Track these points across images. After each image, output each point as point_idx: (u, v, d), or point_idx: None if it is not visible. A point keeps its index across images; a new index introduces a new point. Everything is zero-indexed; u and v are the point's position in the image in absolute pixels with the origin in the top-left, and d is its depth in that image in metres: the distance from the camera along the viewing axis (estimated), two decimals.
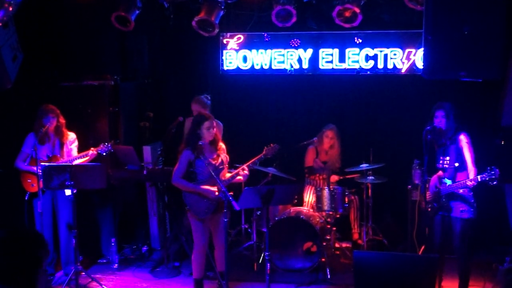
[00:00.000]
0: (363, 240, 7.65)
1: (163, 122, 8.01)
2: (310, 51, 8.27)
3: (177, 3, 7.47)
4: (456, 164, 5.92)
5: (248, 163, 6.20)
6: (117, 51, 8.41)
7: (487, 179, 5.59)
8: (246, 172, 6.18)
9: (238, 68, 8.45)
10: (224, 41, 8.43)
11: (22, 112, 7.37)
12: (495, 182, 5.58)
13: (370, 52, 8.11)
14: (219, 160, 6.15)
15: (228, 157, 6.30)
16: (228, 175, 6.21)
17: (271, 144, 6.23)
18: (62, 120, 7.03)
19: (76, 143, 7.15)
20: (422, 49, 6.08)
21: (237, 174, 6.14)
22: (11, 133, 7.37)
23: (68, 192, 6.80)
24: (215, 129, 6.15)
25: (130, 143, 7.73)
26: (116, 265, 7.49)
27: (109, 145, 6.95)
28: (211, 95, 7.67)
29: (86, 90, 7.71)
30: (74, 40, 7.93)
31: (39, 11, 7.43)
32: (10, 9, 4.91)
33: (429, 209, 6.05)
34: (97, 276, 7.08)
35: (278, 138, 6.42)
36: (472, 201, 5.92)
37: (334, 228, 7.43)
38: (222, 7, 7.23)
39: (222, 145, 6.26)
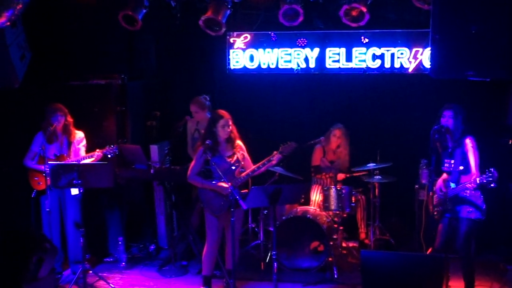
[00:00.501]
0: (370, 240, 7.65)
1: (170, 121, 8.01)
2: (316, 50, 8.28)
3: (184, 2, 7.48)
4: (461, 168, 5.91)
5: (259, 164, 6.20)
6: (124, 50, 8.43)
7: (485, 181, 5.59)
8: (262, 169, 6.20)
9: (244, 67, 8.46)
10: (231, 40, 8.44)
11: (30, 111, 7.42)
12: (493, 185, 5.58)
13: (377, 51, 8.10)
14: (235, 158, 6.20)
15: (244, 154, 6.31)
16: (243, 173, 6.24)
17: (288, 142, 6.20)
18: (70, 119, 7.06)
19: (84, 142, 7.18)
20: (429, 48, 6.07)
21: (253, 172, 6.16)
22: (19, 132, 7.42)
23: (75, 191, 6.85)
24: (231, 127, 6.18)
25: (137, 142, 7.77)
26: (123, 263, 7.53)
27: (114, 147, 6.98)
28: (217, 94, 7.72)
29: (94, 89, 7.75)
30: (81, 39, 7.95)
31: (46, 10, 7.46)
32: (19, 8, 4.93)
33: (436, 214, 6.06)
34: (105, 274, 7.12)
35: (285, 137, 6.40)
36: (480, 202, 5.90)
37: (341, 228, 7.43)
38: (229, 6, 7.24)
39: (239, 143, 6.30)
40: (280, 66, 8.40)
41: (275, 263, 5.94)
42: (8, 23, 5.18)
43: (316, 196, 7.77)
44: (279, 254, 6.60)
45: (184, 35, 8.44)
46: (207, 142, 6.13)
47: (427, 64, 7.80)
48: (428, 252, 6.24)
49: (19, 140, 7.32)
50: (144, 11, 7.32)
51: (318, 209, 7.41)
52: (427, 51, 7.66)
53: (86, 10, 7.68)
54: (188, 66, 8.72)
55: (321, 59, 8.26)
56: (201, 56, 8.71)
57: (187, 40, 8.55)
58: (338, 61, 8.22)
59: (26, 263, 3.13)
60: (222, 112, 6.30)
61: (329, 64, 8.25)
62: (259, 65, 8.42)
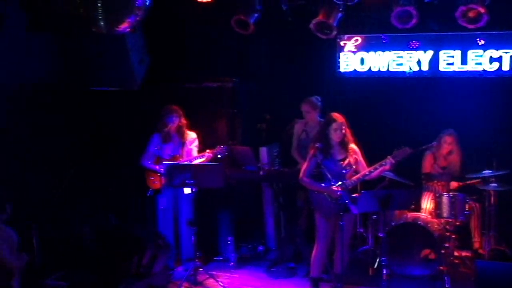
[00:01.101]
0: (485, 250, 7.35)
1: (280, 123, 8.10)
2: (430, 53, 8.05)
3: (296, 6, 7.52)
4: None
5: (371, 168, 6.14)
6: (236, 54, 8.60)
7: None
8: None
9: (355, 70, 8.38)
10: (342, 43, 8.38)
11: (148, 112, 7.74)
12: None
13: (495, 53, 7.76)
14: (347, 161, 6.17)
15: (358, 158, 6.26)
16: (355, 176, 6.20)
17: (402, 147, 6.09)
18: (184, 121, 7.30)
19: (196, 143, 7.39)
20: None
21: (364, 176, 6.11)
22: (137, 132, 7.75)
23: (187, 190, 7.06)
24: (344, 131, 6.16)
25: (247, 144, 7.90)
26: (232, 263, 7.67)
27: (225, 147, 7.13)
28: (327, 97, 7.68)
29: (207, 92, 7.99)
30: (196, 43, 8.21)
31: (164, 16, 7.76)
32: (140, 14, 5.16)
33: None
34: (215, 273, 7.29)
35: (395, 142, 6.30)
36: None
37: (454, 236, 7.18)
38: (341, 9, 7.20)
39: (353, 146, 6.28)
40: (391, 69, 8.24)
41: (385, 269, 5.87)
42: (130, 29, 5.43)
43: (427, 203, 7.55)
44: (389, 260, 6.49)
45: (294, 38, 8.47)
46: (317, 145, 6.15)
47: None
48: None
49: (137, 140, 7.65)
50: (256, 15, 7.43)
51: (429, 216, 7.21)
52: None
53: (201, 16, 7.93)
54: (298, 69, 8.74)
55: (434, 62, 8.03)
56: (311, 59, 8.71)
57: (297, 43, 8.58)
58: (452, 64, 7.96)
59: (131, 260, 3.29)
60: (336, 115, 6.29)
61: (443, 67, 8.00)
62: (370, 68, 8.31)
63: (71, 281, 6.84)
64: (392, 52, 8.23)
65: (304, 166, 6.34)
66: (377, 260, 7.10)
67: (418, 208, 7.52)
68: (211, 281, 7.09)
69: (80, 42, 7.13)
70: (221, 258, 7.89)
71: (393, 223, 7.03)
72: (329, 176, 6.06)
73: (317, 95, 7.72)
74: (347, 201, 5.75)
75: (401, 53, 8.20)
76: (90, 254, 7.31)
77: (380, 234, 6.64)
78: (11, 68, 6.90)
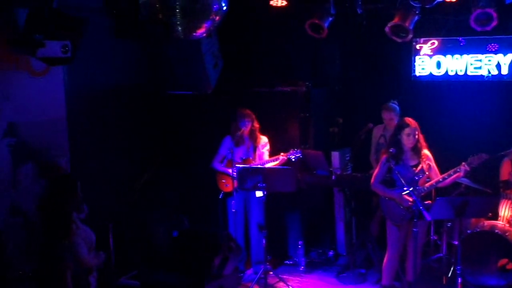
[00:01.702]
0: None
1: (352, 128, 8.11)
2: (510, 56, 7.87)
3: (371, 9, 7.52)
4: None
5: (445, 175, 6.08)
6: (309, 58, 8.67)
7: None
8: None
9: (431, 74, 8.27)
10: (417, 46, 8.30)
11: (220, 115, 7.91)
12: None
13: None
14: (419, 167, 6.13)
15: (431, 164, 6.22)
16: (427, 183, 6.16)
17: (478, 153, 6.01)
18: (257, 125, 7.42)
19: (267, 147, 7.50)
20: None
21: (437, 183, 6.07)
22: (210, 135, 7.92)
23: (259, 193, 7.16)
24: (417, 136, 6.13)
25: (320, 148, 7.93)
26: (302, 267, 7.74)
27: (298, 151, 7.21)
28: (402, 101, 7.63)
29: (279, 96, 8.06)
30: (269, 47, 8.33)
31: (237, 20, 7.91)
32: (217, 19, 5.31)
33: None
34: (285, 276, 7.38)
35: (471, 148, 6.21)
36: None
37: None
38: (417, 12, 7.15)
39: (426, 152, 6.23)
40: (469, 73, 8.09)
41: (459, 278, 5.79)
42: (206, 34, 5.59)
43: (505, 211, 7.36)
44: (463, 269, 6.39)
45: (368, 41, 8.44)
46: (391, 150, 6.14)
47: None
48: None
49: (208, 143, 7.83)
50: (330, 19, 7.46)
51: (507, 225, 7.05)
52: None
53: (274, 20, 8.05)
54: (371, 73, 8.71)
55: None
56: (385, 63, 8.66)
57: (371, 47, 8.54)
58: None
59: (211, 261, 3.44)
60: (409, 120, 6.26)
61: None
62: (446, 71, 8.18)
63: (143, 280, 7.09)
64: (470, 55, 8.08)
65: (375, 172, 6.34)
66: (451, 268, 7.00)
67: (495, 216, 7.36)
68: (281, 285, 7.18)
69: (159, 47, 7.40)
70: (290, 262, 7.97)
71: (468, 231, 6.90)
72: (401, 182, 6.04)
73: (390, 99, 7.69)
74: (421, 208, 5.71)
75: (479, 56, 8.04)
76: (163, 255, 7.55)
77: (455, 242, 6.56)
78: (95, 72, 7.21)
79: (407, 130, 6.15)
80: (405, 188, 6.03)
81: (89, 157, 7.15)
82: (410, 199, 5.98)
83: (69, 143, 6.89)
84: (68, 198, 5.10)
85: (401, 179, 6.02)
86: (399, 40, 7.37)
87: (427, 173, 6.16)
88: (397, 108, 7.52)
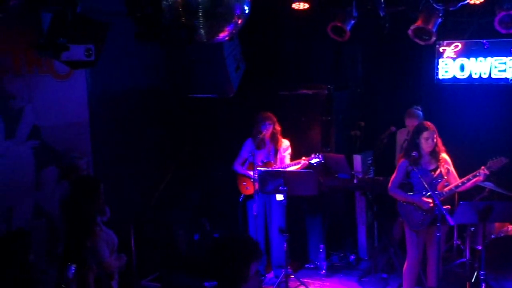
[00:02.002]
0: None
1: (374, 131, 8.09)
2: None
3: (393, 12, 7.49)
4: None
5: (464, 179, 6.04)
6: (331, 61, 8.68)
7: None
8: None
9: (454, 77, 8.22)
10: (441, 49, 8.25)
11: (242, 118, 7.93)
12: None
13: None
14: (438, 172, 6.10)
15: (449, 169, 6.18)
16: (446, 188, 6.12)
17: (497, 157, 5.95)
18: (278, 128, 7.43)
19: (289, 150, 7.50)
20: None
21: (456, 187, 6.03)
22: (231, 138, 7.96)
23: (280, 197, 7.17)
24: (435, 140, 6.10)
25: (341, 151, 7.92)
26: (323, 271, 7.74)
27: (320, 155, 7.20)
28: (424, 105, 7.59)
29: (301, 99, 8.08)
30: (291, 50, 8.35)
31: (259, 23, 7.93)
32: (240, 22, 5.32)
33: None
34: (306, 280, 7.38)
35: (494, 152, 6.16)
36: None
37: None
38: (441, 15, 7.10)
39: (444, 156, 6.19)
40: (493, 76, 8.03)
41: (483, 284, 5.74)
42: (228, 37, 5.61)
43: None
44: (487, 275, 6.34)
45: (390, 44, 8.39)
46: (413, 154, 6.10)
47: None
48: None
49: (229, 145, 7.87)
50: (353, 21, 7.44)
51: None
52: None
53: (296, 23, 8.06)
54: (394, 76, 8.67)
55: None
56: (407, 66, 8.61)
57: (393, 50, 8.50)
58: None
59: (247, 268, 3.46)
60: (428, 123, 6.23)
61: None
62: (470, 74, 8.12)
63: (165, 283, 7.13)
64: (494, 58, 8.02)
65: (393, 176, 6.29)
66: (475, 274, 6.94)
67: None
68: None
69: (182, 51, 7.45)
70: (311, 266, 7.98)
71: (492, 236, 6.84)
72: (419, 187, 6.01)
73: (413, 103, 7.67)
74: (444, 212, 5.67)
75: (503, 59, 7.97)
76: (184, 257, 7.59)
77: (478, 247, 6.51)
78: (117, 75, 7.29)
79: (425, 134, 6.10)
80: (423, 192, 6.00)
81: (111, 160, 7.21)
82: (431, 201, 5.95)
83: (91, 145, 6.97)
84: (91, 200, 5.12)
85: (419, 184, 5.99)
86: (422, 43, 7.32)
87: (445, 177, 6.12)
88: (421, 114, 7.49)
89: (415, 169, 6.08)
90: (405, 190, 6.22)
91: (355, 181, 7.50)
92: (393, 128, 7.59)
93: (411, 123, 7.39)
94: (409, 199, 6.16)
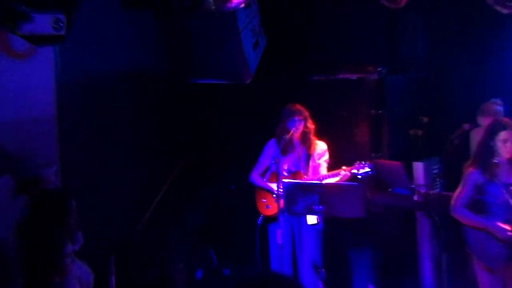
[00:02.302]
0: None
1: (442, 130, 8.02)
2: None
3: None
4: None
5: None
6: (382, 35, 8.66)
7: None
8: None
9: None
10: None
11: (261, 112, 7.88)
12: None
13: None
14: None
15: None
16: None
17: None
18: (311, 125, 7.36)
19: (326, 156, 7.43)
20: None
21: None
22: (247, 138, 7.92)
23: (313, 219, 7.07)
24: None
25: (397, 157, 7.83)
26: None
27: (368, 164, 7.10)
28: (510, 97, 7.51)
29: (341, 86, 8.07)
30: (328, 21, 8.28)
31: None
32: None
33: None
34: None
35: None
36: None
37: None
38: None
39: None
40: None
41: None
42: (243, 4, 5.55)
43: None
44: None
45: (462, 15, 8.33)
46: (493, 161, 5.98)
47: None
48: None
49: (245, 148, 7.86)
50: None
51: None
52: None
53: None
54: (467, 56, 8.59)
55: None
56: (485, 43, 8.52)
57: (466, 22, 8.42)
58: None
59: None
60: (507, 121, 6.11)
61: None
62: None
63: None
64: None
65: (458, 190, 6.19)
66: None
67: None
68: None
69: (182, 23, 7.39)
70: None
71: None
72: (498, 206, 5.91)
73: (494, 93, 7.56)
74: None
75: None
76: None
77: None
78: (96, 55, 7.28)
79: (503, 135, 5.98)
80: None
81: (85, 168, 7.20)
82: (510, 229, 5.85)
83: (59, 148, 6.94)
84: (58, 223, 5.07)
85: (495, 203, 5.92)
86: (504, 11, 7.24)
87: None
88: (501, 110, 7.36)
89: (491, 182, 5.95)
90: (475, 211, 6.09)
91: (415, 197, 7.40)
92: (466, 126, 7.52)
93: (486, 122, 7.26)
94: (481, 224, 6.04)
